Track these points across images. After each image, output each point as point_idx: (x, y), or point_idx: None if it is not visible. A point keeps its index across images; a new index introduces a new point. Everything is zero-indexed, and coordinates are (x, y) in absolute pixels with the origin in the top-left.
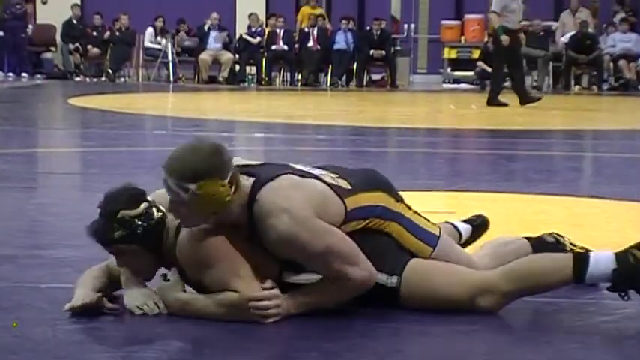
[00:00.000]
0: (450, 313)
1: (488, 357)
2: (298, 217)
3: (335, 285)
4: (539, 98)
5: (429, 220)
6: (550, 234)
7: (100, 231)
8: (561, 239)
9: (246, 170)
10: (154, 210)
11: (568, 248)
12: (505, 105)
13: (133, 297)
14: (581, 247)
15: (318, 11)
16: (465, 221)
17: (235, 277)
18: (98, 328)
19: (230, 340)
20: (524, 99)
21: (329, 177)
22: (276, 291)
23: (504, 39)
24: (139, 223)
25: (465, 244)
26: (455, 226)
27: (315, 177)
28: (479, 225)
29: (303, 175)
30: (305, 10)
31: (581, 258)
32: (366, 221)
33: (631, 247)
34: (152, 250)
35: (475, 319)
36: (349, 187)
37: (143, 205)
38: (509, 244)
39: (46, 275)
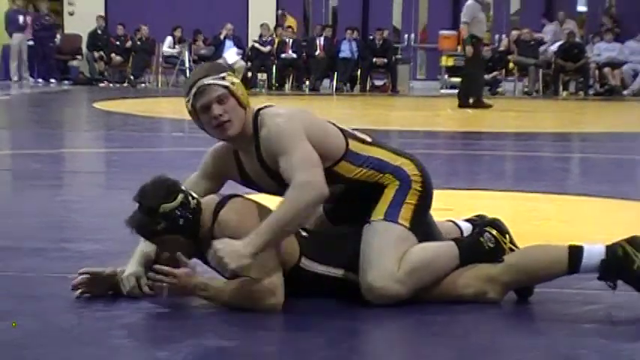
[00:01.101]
0: (449, 302)
1: (485, 343)
2: (291, 121)
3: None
4: (490, 105)
5: None
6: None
7: (144, 225)
8: (500, 240)
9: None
10: (190, 198)
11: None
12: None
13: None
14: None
15: (288, 22)
16: (467, 220)
17: (258, 264)
18: (121, 315)
19: (241, 324)
20: (478, 103)
21: (345, 126)
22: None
23: (468, 50)
24: (179, 213)
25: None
26: (456, 224)
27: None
28: (479, 224)
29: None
30: (290, 21)
31: (576, 250)
32: (379, 174)
33: (621, 240)
34: (191, 236)
35: (472, 309)
36: (367, 139)
37: (180, 196)
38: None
39: (71, 267)
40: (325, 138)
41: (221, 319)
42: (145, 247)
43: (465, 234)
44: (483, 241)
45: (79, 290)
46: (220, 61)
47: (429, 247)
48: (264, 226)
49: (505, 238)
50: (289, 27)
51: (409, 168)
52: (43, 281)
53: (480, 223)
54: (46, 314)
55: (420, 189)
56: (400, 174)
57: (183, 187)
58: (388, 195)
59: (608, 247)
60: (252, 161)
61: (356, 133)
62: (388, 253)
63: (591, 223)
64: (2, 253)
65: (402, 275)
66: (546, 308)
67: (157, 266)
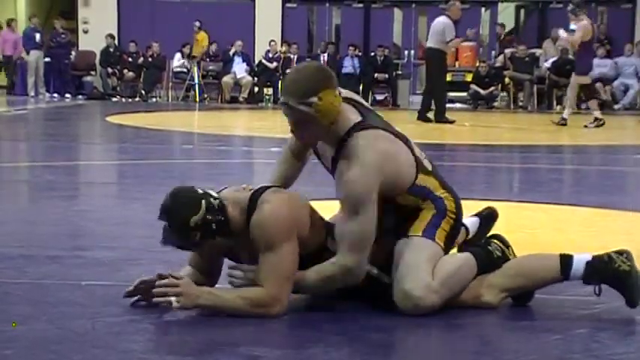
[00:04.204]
0: (446, 307)
1: (479, 347)
2: (377, 164)
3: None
4: (454, 121)
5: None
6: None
7: (183, 242)
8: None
9: (358, 106)
10: (212, 200)
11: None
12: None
13: None
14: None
15: (200, 35)
16: (473, 215)
17: (273, 275)
18: (134, 320)
19: (243, 330)
20: (440, 119)
21: (418, 150)
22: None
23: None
24: (210, 219)
25: (475, 237)
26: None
27: (409, 144)
28: (486, 216)
29: (398, 136)
30: (201, 35)
31: (566, 258)
32: (422, 201)
33: (610, 251)
34: (226, 234)
35: (468, 314)
36: (429, 169)
37: (204, 203)
38: None
39: (86, 274)
40: (398, 176)
41: (232, 327)
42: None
43: (472, 230)
44: (492, 251)
45: (135, 298)
46: (230, 77)
47: (453, 260)
48: (300, 275)
49: (508, 249)
50: (196, 41)
51: (448, 202)
52: (58, 288)
53: (486, 215)
54: (61, 320)
55: (453, 222)
56: (440, 205)
57: (200, 191)
58: (426, 216)
59: (595, 255)
60: (329, 150)
61: (424, 161)
62: (425, 266)
63: (583, 232)
64: (20, 261)
65: (437, 286)
66: (540, 313)
67: (160, 281)
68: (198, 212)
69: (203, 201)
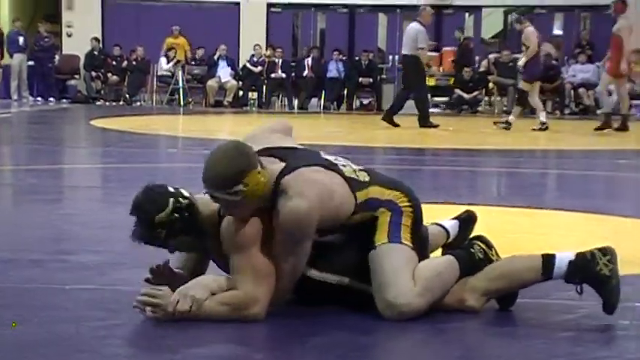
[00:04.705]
0: (430, 311)
1: (462, 352)
2: (306, 210)
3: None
4: (438, 125)
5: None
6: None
7: (148, 238)
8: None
9: (280, 153)
10: (180, 198)
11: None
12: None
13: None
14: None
15: (179, 40)
16: (453, 218)
17: (245, 276)
18: (118, 324)
19: (228, 335)
20: (426, 123)
21: (350, 170)
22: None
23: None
24: (176, 217)
25: (455, 241)
26: (442, 226)
27: (338, 170)
28: (465, 219)
29: (328, 167)
30: (169, 40)
31: (549, 258)
32: (371, 212)
33: (593, 248)
34: (196, 233)
35: (451, 318)
36: (367, 180)
37: (171, 201)
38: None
39: (70, 278)
40: (338, 209)
41: (217, 330)
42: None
43: (452, 233)
44: (474, 252)
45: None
46: (214, 81)
47: (435, 263)
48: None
49: (491, 251)
50: (174, 46)
51: (400, 200)
52: (43, 292)
53: (465, 217)
54: (45, 324)
55: (411, 214)
56: (392, 205)
57: (171, 189)
58: (384, 221)
59: (578, 253)
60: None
61: (359, 177)
62: (403, 272)
63: (567, 236)
64: (3, 265)
65: (421, 290)
66: (523, 317)
67: (142, 290)
68: (164, 210)
69: (171, 199)
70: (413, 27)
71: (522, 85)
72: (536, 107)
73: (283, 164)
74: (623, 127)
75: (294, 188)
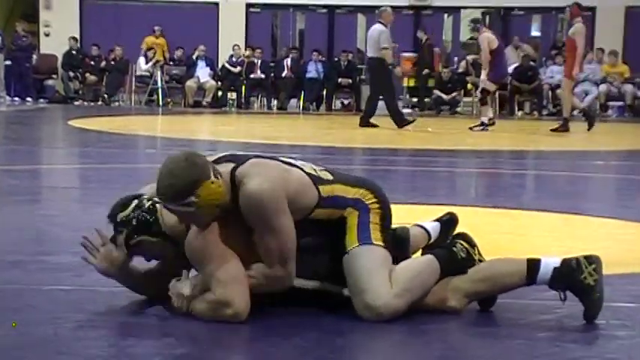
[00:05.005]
0: (411, 311)
1: (443, 352)
2: (269, 187)
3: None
4: (414, 120)
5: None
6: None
7: (113, 237)
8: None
9: (228, 158)
10: (144, 201)
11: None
12: (376, 126)
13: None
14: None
15: (160, 40)
16: (434, 220)
17: (215, 280)
18: (96, 325)
19: (206, 336)
20: (402, 122)
21: (309, 167)
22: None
23: (397, 71)
24: (133, 216)
25: (436, 242)
26: (423, 227)
27: (295, 165)
28: (447, 221)
29: (283, 162)
30: (149, 39)
31: (534, 263)
32: (340, 210)
33: (579, 255)
34: (157, 234)
35: (432, 319)
36: (330, 178)
37: (133, 203)
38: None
39: (48, 279)
40: (298, 193)
41: (198, 331)
42: None
43: (433, 234)
44: (456, 252)
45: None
46: (193, 81)
47: (415, 263)
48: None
49: (474, 249)
50: (153, 46)
51: (367, 198)
52: (21, 293)
53: (447, 220)
54: (23, 325)
55: (379, 210)
56: (358, 204)
57: (141, 194)
58: (353, 222)
59: (564, 259)
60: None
61: (320, 174)
62: (378, 274)
63: (546, 237)
64: None
65: (399, 290)
66: (504, 317)
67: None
68: (125, 211)
69: (135, 201)
70: (376, 28)
71: (487, 85)
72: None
73: (233, 164)
74: (564, 129)
75: (250, 174)
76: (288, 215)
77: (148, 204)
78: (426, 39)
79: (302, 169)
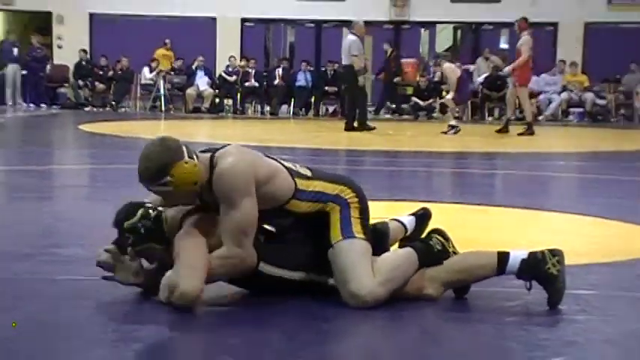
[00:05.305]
0: (392, 300)
1: (420, 335)
2: (239, 166)
3: (218, 260)
4: (374, 128)
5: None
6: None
7: (120, 244)
8: (446, 244)
9: (215, 148)
10: (150, 211)
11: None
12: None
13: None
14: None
15: (169, 52)
16: (410, 214)
17: (181, 270)
18: (103, 313)
19: (206, 321)
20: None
21: (289, 163)
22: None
23: (362, 79)
24: (140, 225)
25: (412, 235)
26: (400, 221)
27: (274, 158)
28: (421, 215)
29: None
30: (160, 51)
31: (503, 255)
32: (321, 204)
33: (545, 249)
34: (161, 241)
35: (410, 306)
36: (308, 174)
37: (140, 211)
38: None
39: (59, 270)
40: (271, 181)
41: (192, 317)
42: None
43: (409, 228)
44: (433, 245)
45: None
46: (193, 89)
47: (394, 255)
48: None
49: (448, 243)
50: (158, 58)
51: (345, 193)
52: (33, 283)
53: (421, 214)
54: (34, 312)
55: (358, 205)
56: (339, 200)
57: (146, 202)
58: (335, 217)
59: (530, 252)
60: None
61: (299, 170)
62: (362, 265)
63: (512, 230)
64: None
65: (382, 280)
66: (475, 304)
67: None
68: (132, 219)
69: (141, 210)
70: (348, 38)
71: (448, 103)
72: (452, 111)
73: (211, 152)
74: (505, 130)
75: (225, 155)
76: (253, 198)
77: (154, 214)
78: (391, 51)
79: (281, 163)
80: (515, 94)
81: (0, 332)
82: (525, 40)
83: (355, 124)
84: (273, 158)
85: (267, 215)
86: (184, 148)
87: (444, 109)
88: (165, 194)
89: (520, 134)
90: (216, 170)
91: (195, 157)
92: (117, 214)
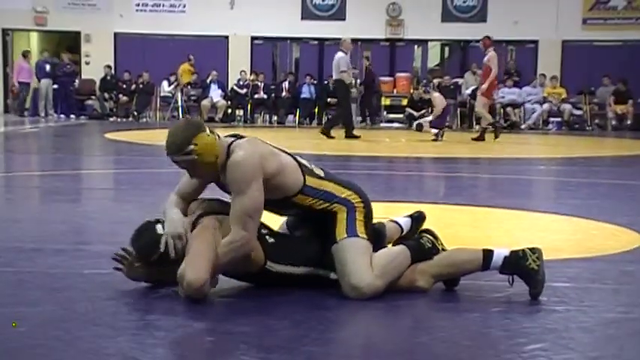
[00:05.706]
0: (387, 292)
1: (412, 324)
2: (251, 158)
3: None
4: (359, 137)
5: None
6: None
7: (136, 259)
8: (436, 242)
9: (235, 135)
10: (159, 232)
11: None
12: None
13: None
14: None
15: (192, 67)
16: (406, 216)
17: (187, 262)
18: (127, 302)
19: (217, 312)
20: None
21: (305, 161)
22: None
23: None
24: (148, 252)
25: (407, 234)
26: (397, 222)
27: (289, 154)
28: (416, 217)
29: (278, 149)
30: (185, 66)
31: (488, 253)
32: (327, 204)
33: (525, 247)
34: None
35: (404, 297)
36: (321, 175)
37: (158, 228)
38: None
39: (87, 264)
40: (282, 172)
41: (209, 307)
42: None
43: (405, 228)
44: (424, 242)
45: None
46: (207, 101)
47: (390, 252)
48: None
49: (437, 241)
50: (182, 72)
51: (353, 198)
52: (64, 276)
53: (417, 216)
54: (66, 302)
55: (364, 210)
56: (346, 204)
57: (155, 222)
58: (342, 218)
59: (512, 250)
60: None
61: (313, 168)
62: (362, 261)
63: (497, 229)
64: (31, 254)
65: (379, 273)
66: (463, 295)
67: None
68: (140, 242)
69: (158, 225)
70: (337, 55)
71: (425, 125)
72: (430, 119)
73: (233, 138)
74: (482, 138)
75: (240, 146)
76: (260, 188)
77: (161, 232)
78: (367, 65)
79: (295, 159)
80: (482, 103)
81: (34, 319)
82: (491, 56)
83: (331, 132)
84: (288, 153)
85: (273, 204)
86: (206, 126)
87: (420, 128)
88: (189, 164)
89: (474, 139)
90: (230, 159)
91: (216, 135)
92: (134, 237)
